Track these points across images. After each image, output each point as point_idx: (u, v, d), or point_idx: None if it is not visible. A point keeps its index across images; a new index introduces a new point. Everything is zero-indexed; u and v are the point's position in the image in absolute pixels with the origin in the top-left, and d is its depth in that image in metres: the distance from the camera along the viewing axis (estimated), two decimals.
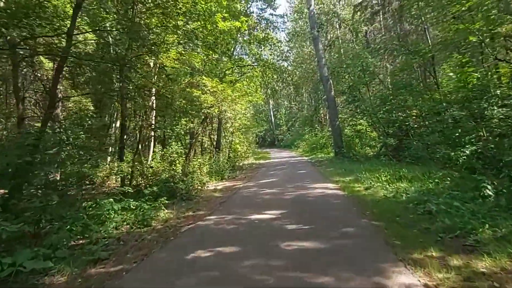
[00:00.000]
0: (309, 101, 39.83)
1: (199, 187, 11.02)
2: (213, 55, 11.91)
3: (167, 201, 8.91)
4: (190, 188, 9.96)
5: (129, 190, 7.29)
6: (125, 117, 10.91)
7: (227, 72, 15.75)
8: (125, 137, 11.19)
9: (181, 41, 9.95)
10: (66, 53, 8.32)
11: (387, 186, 8.04)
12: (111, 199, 7.12)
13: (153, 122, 14.46)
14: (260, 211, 6.56)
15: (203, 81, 12.20)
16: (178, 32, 9.86)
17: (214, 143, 20.89)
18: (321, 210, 6.31)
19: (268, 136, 54.64)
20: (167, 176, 10.55)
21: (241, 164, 22.13)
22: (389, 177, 9.00)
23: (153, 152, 14.93)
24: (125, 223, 6.55)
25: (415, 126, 16.70)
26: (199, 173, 12.73)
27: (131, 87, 11.05)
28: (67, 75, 11.91)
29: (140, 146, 14.81)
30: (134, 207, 7.23)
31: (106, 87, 10.81)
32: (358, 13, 24.93)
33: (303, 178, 11.46)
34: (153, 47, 9.63)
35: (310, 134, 32.55)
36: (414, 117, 17.10)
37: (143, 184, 10.98)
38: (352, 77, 19.21)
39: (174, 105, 11.68)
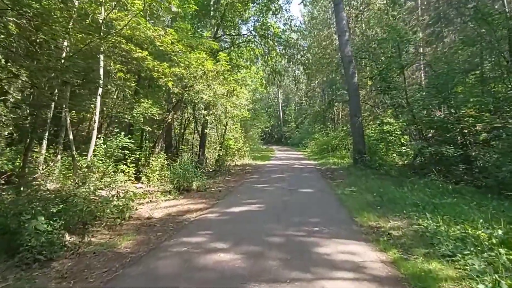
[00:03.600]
0: (322, 96, 33.98)
1: (115, 216, 5.66)
2: None
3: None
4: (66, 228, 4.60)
5: None
6: None
7: (206, 35, 10.21)
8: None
9: None
10: None
11: None
12: None
13: (98, 102, 9.13)
14: None
15: (143, 28, 6.69)
16: None
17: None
18: None
19: (276, 133, 49.00)
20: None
21: (233, 164, 16.74)
22: None
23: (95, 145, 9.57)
24: None
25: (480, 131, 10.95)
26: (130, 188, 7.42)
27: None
28: None
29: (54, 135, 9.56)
30: None
31: None
32: None
33: (308, 212, 5.97)
34: None
35: (321, 133, 26.86)
36: (472, 118, 11.36)
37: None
38: (382, 60, 13.49)
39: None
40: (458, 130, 10.02)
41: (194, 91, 10.30)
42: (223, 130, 16.66)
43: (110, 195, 6.47)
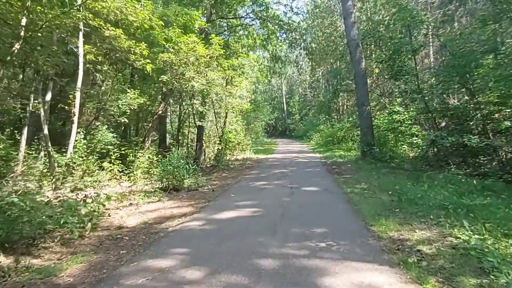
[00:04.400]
0: (326, 87, 32.54)
1: (71, 228, 4.55)
2: None
3: None
4: None
5: None
6: None
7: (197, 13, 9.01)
8: None
9: None
10: None
11: None
12: None
13: (78, 89, 8.03)
14: None
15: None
16: None
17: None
18: None
19: (280, 125, 47.66)
20: None
21: (233, 158, 15.61)
22: None
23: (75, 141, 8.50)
24: None
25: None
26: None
27: None
28: None
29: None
30: None
31: None
32: None
33: (312, 220, 4.84)
34: None
35: (326, 125, 25.58)
36: (492, 104, 10.06)
37: None
38: (390, 44, 12.12)
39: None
40: (479, 118, 8.73)
41: (184, 79, 9.13)
42: (223, 123, 15.51)
43: (79, 199, 5.43)
